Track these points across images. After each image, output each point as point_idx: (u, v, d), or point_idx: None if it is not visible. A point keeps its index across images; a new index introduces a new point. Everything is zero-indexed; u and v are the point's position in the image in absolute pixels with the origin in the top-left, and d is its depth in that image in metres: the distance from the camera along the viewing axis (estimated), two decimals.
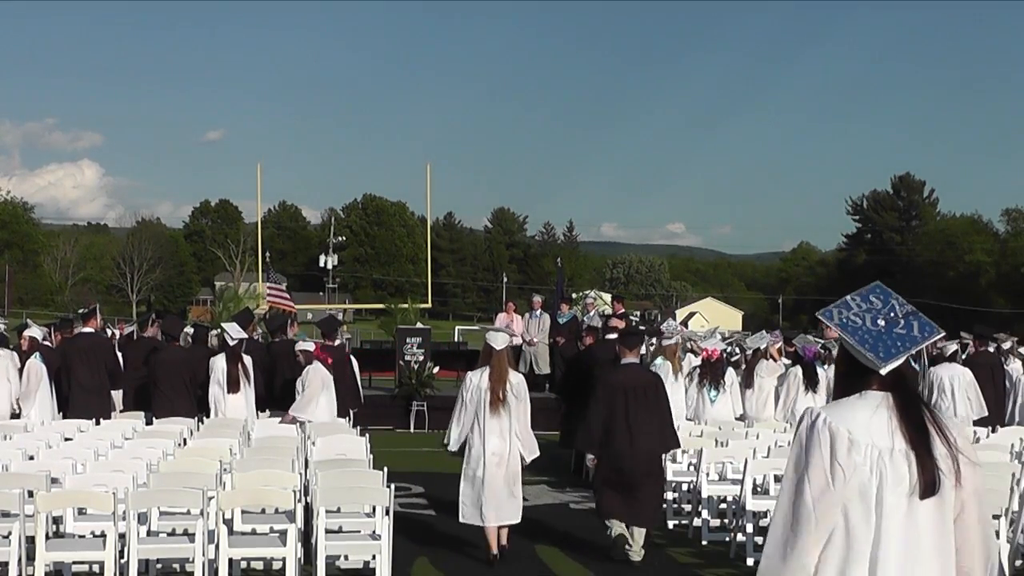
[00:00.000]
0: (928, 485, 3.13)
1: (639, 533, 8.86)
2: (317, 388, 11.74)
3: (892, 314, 3.37)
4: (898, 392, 3.25)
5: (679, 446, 9.59)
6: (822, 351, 14.02)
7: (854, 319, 3.35)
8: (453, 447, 8.91)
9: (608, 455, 8.87)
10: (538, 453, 8.99)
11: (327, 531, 7.59)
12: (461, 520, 8.82)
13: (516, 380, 8.93)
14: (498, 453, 8.66)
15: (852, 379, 3.33)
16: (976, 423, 12.46)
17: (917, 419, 3.21)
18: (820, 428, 3.22)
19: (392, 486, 7.62)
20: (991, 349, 14.74)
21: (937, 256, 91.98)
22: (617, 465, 8.81)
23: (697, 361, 13.03)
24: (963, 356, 14.55)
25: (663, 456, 9.42)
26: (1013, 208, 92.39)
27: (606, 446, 8.88)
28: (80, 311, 15.78)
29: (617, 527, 8.89)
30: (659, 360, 12.26)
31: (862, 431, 3.17)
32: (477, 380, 8.81)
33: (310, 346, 12.26)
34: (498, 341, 8.96)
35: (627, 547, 8.82)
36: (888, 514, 3.12)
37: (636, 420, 8.87)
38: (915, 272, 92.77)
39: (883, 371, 3.23)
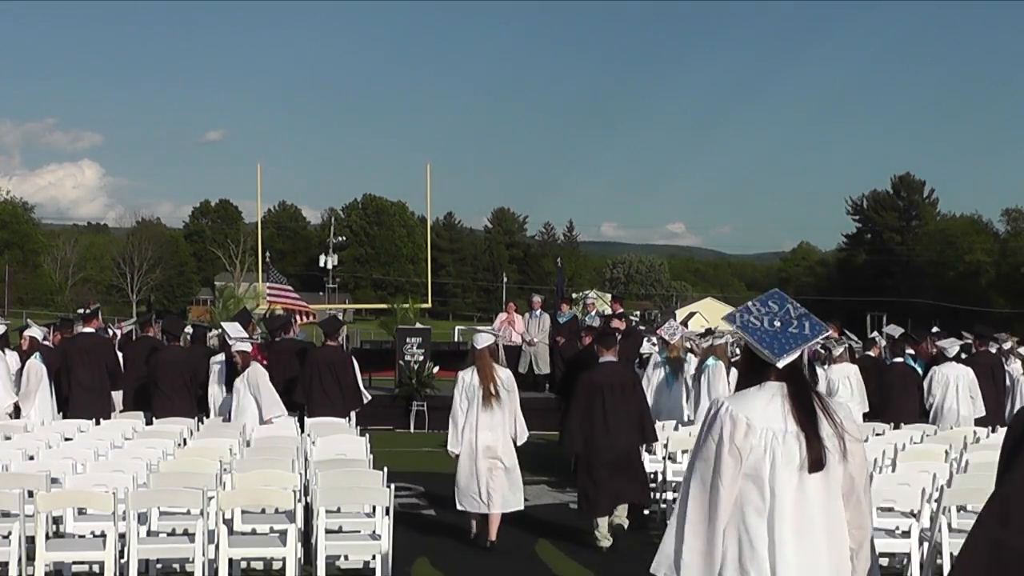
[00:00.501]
0: (815, 461, 3.62)
1: (622, 508, 9.33)
2: (270, 386, 11.74)
3: (787, 316, 3.87)
4: (792, 382, 3.75)
5: (656, 439, 10.03)
6: (822, 351, 14.04)
7: (754, 321, 3.86)
8: (455, 449, 9.36)
9: (588, 450, 9.29)
10: (527, 435, 9.59)
11: (327, 531, 7.59)
12: (458, 507, 9.36)
13: (504, 375, 9.48)
14: (491, 447, 9.20)
15: (754, 372, 3.82)
16: (976, 423, 12.45)
17: (807, 405, 3.70)
18: (723, 415, 3.72)
19: (392, 486, 7.62)
20: (992, 350, 14.72)
21: (937, 256, 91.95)
22: (597, 459, 9.23)
23: (696, 361, 13.02)
24: (964, 356, 14.55)
25: (641, 448, 9.80)
26: (1013, 208, 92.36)
27: (587, 441, 9.28)
28: (81, 311, 15.78)
29: (603, 525, 9.30)
30: (711, 360, 12.30)
31: (759, 417, 3.68)
32: (468, 379, 9.37)
33: (247, 347, 12.20)
34: (480, 341, 9.57)
35: (596, 534, 9.29)
36: (782, 486, 3.61)
37: (614, 416, 9.31)
38: (915, 272, 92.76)
39: (779, 365, 3.72)
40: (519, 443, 9.47)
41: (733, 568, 3.63)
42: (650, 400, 12.74)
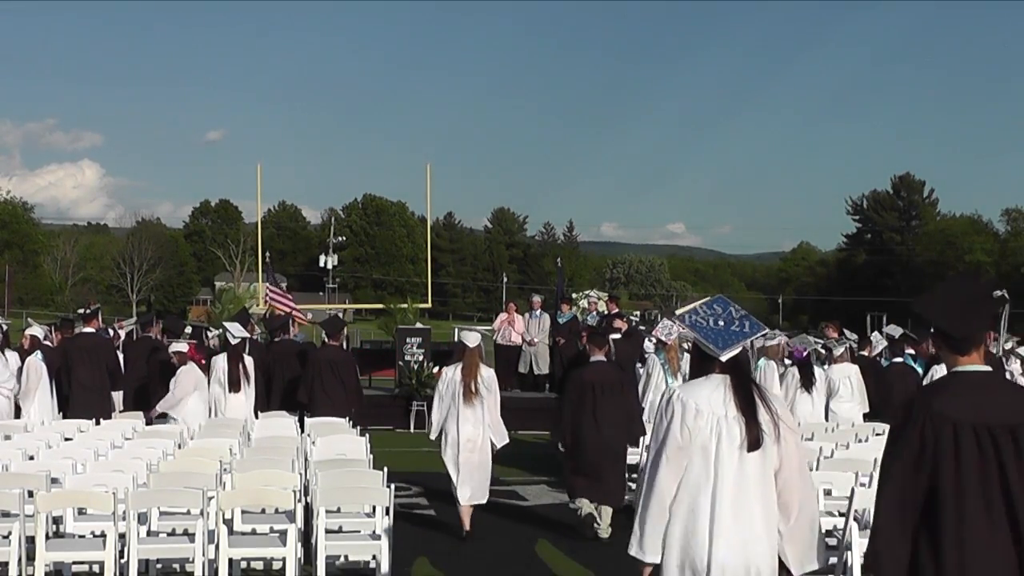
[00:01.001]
0: (753, 442, 4.24)
1: (606, 512, 9.64)
2: (189, 388, 11.78)
3: (729, 317, 4.50)
4: (734, 374, 4.38)
5: (645, 434, 10.19)
6: (823, 351, 14.03)
7: (700, 321, 4.48)
8: (433, 435, 9.98)
9: (577, 444, 9.71)
10: (507, 440, 9.99)
11: (327, 531, 7.59)
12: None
13: (487, 374, 9.89)
14: (472, 439, 9.64)
15: (702, 365, 4.46)
16: None
17: (747, 394, 4.32)
18: (675, 401, 4.36)
19: (392, 486, 7.62)
20: (993, 350, 14.72)
21: (937, 256, 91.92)
22: (585, 453, 9.63)
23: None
24: None
25: (627, 444, 10.07)
26: (1013, 208, 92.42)
27: (575, 436, 9.72)
28: (81, 311, 15.77)
29: (586, 507, 9.69)
30: (762, 361, 12.32)
31: (705, 403, 4.30)
32: (452, 374, 9.81)
33: (183, 347, 12.22)
34: (471, 340, 9.98)
35: (595, 524, 9.63)
36: (724, 462, 4.23)
37: (603, 413, 9.66)
38: (915, 272, 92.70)
39: (722, 358, 4.36)
40: (498, 446, 9.83)
41: (679, 531, 4.23)
42: (649, 399, 12.78)
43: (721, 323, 4.49)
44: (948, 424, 3.84)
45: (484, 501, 9.80)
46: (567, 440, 9.87)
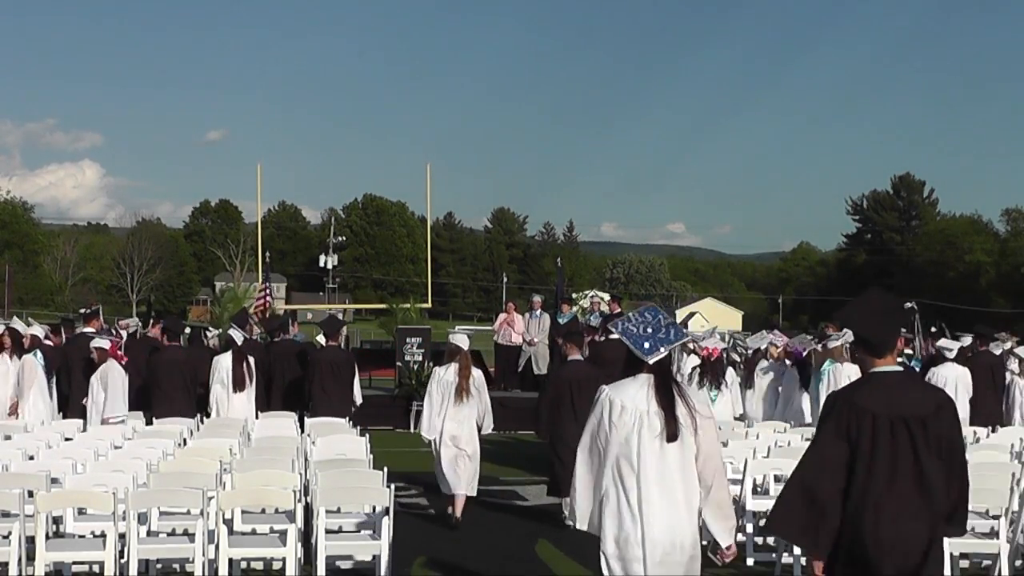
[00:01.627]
0: (672, 434, 4.97)
1: None
2: (119, 386, 11.93)
3: (657, 324, 5.11)
4: (658, 375, 5.06)
5: None
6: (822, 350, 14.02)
7: (631, 328, 5.15)
8: (428, 435, 10.46)
9: (555, 440, 10.19)
10: (492, 427, 10.90)
11: (327, 531, 7.59)
12: (442, 490, 10.44)
13: (477, 375, 10.60)
14: (456, 436, 10.32)
15: (631, 366, 5.13)
16: (975, 423, 12.44)
17: (668, 392, 5.02)
18: (603, 399, 5.12)
19: (392, 486, 7.61)
20: (997, 351, 14.68)
21: (937, 256, 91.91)
22: (565, 447, 9.67)
23: (697, 361, 13.03)
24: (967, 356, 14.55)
25: None
26: (1013, 208, 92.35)
27: (555, 432, 10.19)
28: (82, 311, 15.74)
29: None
30: (828, 363, 12.35)
31: (630, 400, 5.03)
32: (443, 374, 10.44)
33: (105, 344, 12.24)
34: (463, 341, 10.62)
35: None
36: (647, 451, 4.97)
37: (581, 411, 9.77)
38: (915, 272, 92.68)
39: (649, 361, 5.04)
40: (484, 432, 10.71)
41: (613, 511, 5.00)
42: None
43: (650, 330, 5.12)
44: (867, 415, 4.59)
45: (473, 494, 10.44)
46: (545, 437, 10.48)
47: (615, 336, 14.19)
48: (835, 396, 4.75)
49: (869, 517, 4.47)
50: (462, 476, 10.26)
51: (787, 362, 13.29)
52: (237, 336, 12.75)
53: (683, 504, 4.98)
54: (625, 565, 4.97)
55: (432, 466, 10.73)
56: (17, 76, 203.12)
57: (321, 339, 13.97)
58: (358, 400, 14.33)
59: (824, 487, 4.56)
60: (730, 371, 13.11)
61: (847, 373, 13.11)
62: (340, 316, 17.92)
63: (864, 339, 4.78)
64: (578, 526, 5.22)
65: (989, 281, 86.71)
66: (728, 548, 5.15)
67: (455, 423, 10.34)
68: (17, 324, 13.46)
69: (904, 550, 4.45)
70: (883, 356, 4.73)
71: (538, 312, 20.09)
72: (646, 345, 5.05)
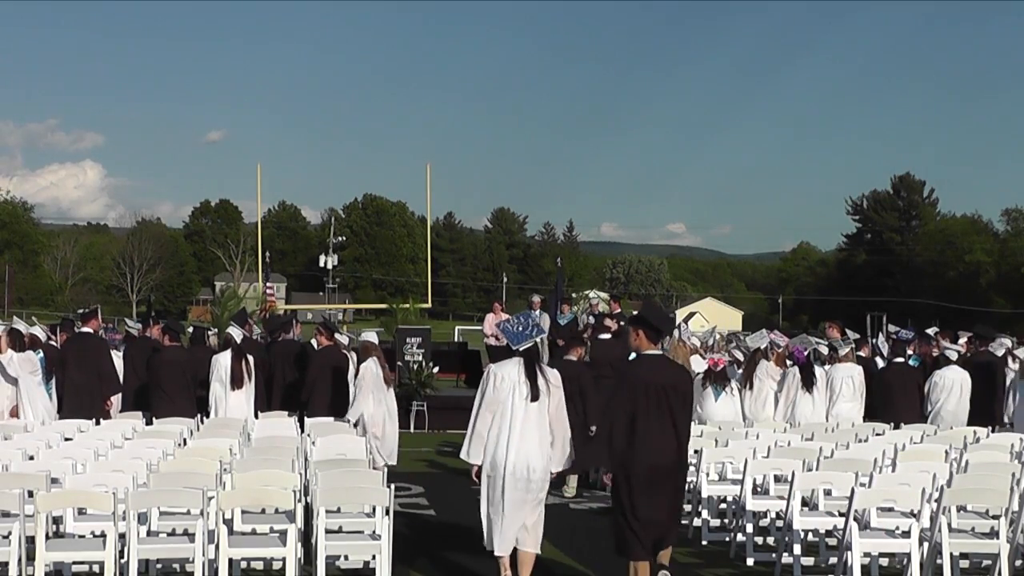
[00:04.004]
0: (534, 396, 7.52)
1: (572, 477, 11.80)
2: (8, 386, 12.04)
3: (527, 325, 7.76)
4: (525, 357, 7.62)
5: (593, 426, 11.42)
6: (823, 352, 14.01)
7: (509, 327, 7.76)
8: (352, 418, 11.88)
9: None
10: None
11: (327, 531, 7.59)
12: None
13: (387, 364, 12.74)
14: (373, 417, 12.16)
15: (511, 352, 7.67)
16: (975, 423, 12.43)
17: (531, 369, 7.58)
18: (488, 374, 7.66)
19: (392, 486, 7.61)
20: (999, 352, 14.65)
21: (937, 256, 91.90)
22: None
23: (704, 366, 12.99)
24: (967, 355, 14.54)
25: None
26: (1013, 208, 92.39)
27: None
28: (81, 311, 15.70)
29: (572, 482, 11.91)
30: (829, 368, 12.73)
31: (507, 373, 7.59)
32: (374, 368, 12.25)
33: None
34: (375, 337, 12.87)
35: (564, 487, 11.72)
36: (516, 408, 7.49)
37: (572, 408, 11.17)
38: (915, 272, 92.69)
39: (519, 350, 7.63)
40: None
41: (491, 446, 7.50)
42: None
43: (520, 329, 7.69)
44: (641, 382, 7.22)
45: (393, 463, 12.17)
46: None
47: (605, 337, 14.66)
48: (623, 371, 7.41)
49: (642, 442, 7.11)
50: (390, 447, 12.22)
51: (788, 362, 13.27)
52: (236, 334, 12.74)
53: (536, 443, 7.49)
54: (493, 479, 7.49)
55: (431, 466, 10.73)
56: (19, 77, 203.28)
57: (314, 341, 13.95)
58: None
59: (621, 430, 7.18)
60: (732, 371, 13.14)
61: (848, 373, 13.13)
62: (340, 316, 17.91)
63: (658, 331, 7.55)
64: (472, 461, 7.59)
65: (989, 281, 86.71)
66: (555, 474, 7.66)
67: (384, 406, 12.32)
68: (19, 324, 13.44)
69: (665, 460, 7.18)
70: (656, 344, 7.53)
71: (537, 312, 20.08)
72: (516, 340, 7.65)
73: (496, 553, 7.48)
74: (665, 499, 7.14)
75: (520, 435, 7.38)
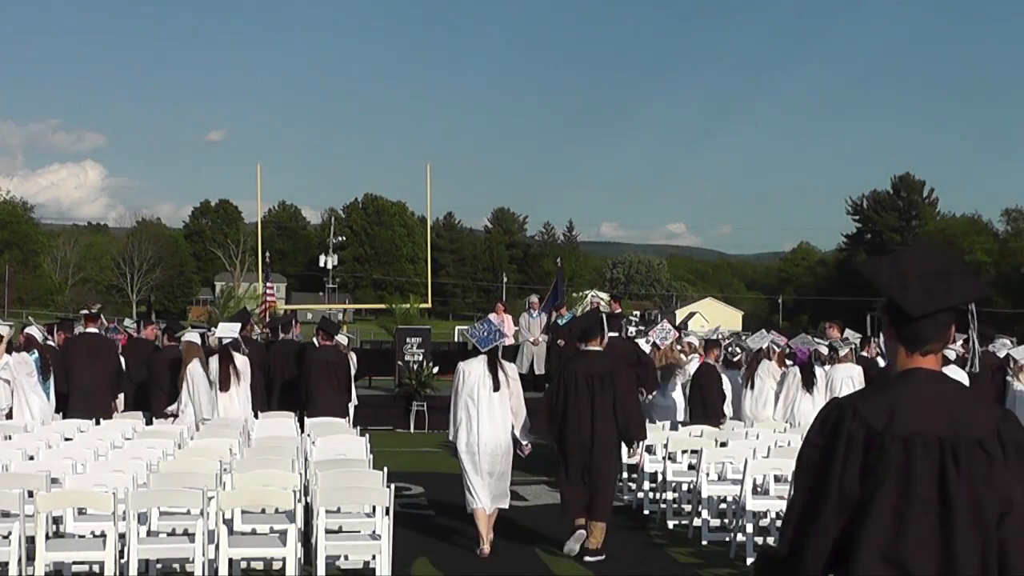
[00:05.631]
0: (495, 386, 9.08)
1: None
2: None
3: (488, 331, 9.32)
4: (488, 355, 9.17)
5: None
6: (823, 352, 14.01)
7: (475, 331, 9.59)
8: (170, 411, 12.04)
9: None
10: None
11: (327, 531, 7.59)
12: None
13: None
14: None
15: (476, 352, 9.32)
16: None
17: (493, 364, 9.14)
18: (458, 370, 9.30)
19: (392, 486, 7.61)
20: (1001, 353, 14.62)
21: None
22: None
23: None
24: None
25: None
26: (1013, 208, 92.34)
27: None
28: (84, 311, 15.69)
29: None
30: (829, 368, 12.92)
31: (474, 369, 9.18)
32: (214, 364, 12.28)
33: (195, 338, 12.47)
34: (195, 338, 12.65)
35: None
36: (483, 397, 9.06)
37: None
38: None
39: (483, 350, 9.21)
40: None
41: (464, 429, 9.08)
42: (648, 399, 12.77)
43: (485, 334, 9.34)
44: (572, 373, 9.14)
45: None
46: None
47: (612, 335, 14.67)
48: (561, 366, 9.20)
49: (572, 417, 9.00)
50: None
51: (788, 363, 13.27)
52: (224, 334, 12.70)
53: (500, 424, 9.09)
54: (470, 456, 9.04)
55: (431, 466, 10.74)
56: (20, 77, 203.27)
57: (316, 340, 13.97)
58: (353, 401, 14.32)
59: (555, 409, 9.11)
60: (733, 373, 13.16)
61: (848, 374, 13.12)
62: (340, 316, 17.92)
63: (585, 338, 9.49)
64: (451, 438, 9.28)
65: (989, 281, 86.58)
66: (526, 445, 9.22)
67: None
68: (35, 331, 13.39)
69: (582, 437, 8.98)
70: (593, 339, 9.40)
71: (536, 312, 20.08)
72: (482, 342, 9.30)
73: (475, 507, 9.04)
74: (587, 470, 9.02)
75: (488, 418, 9.03)
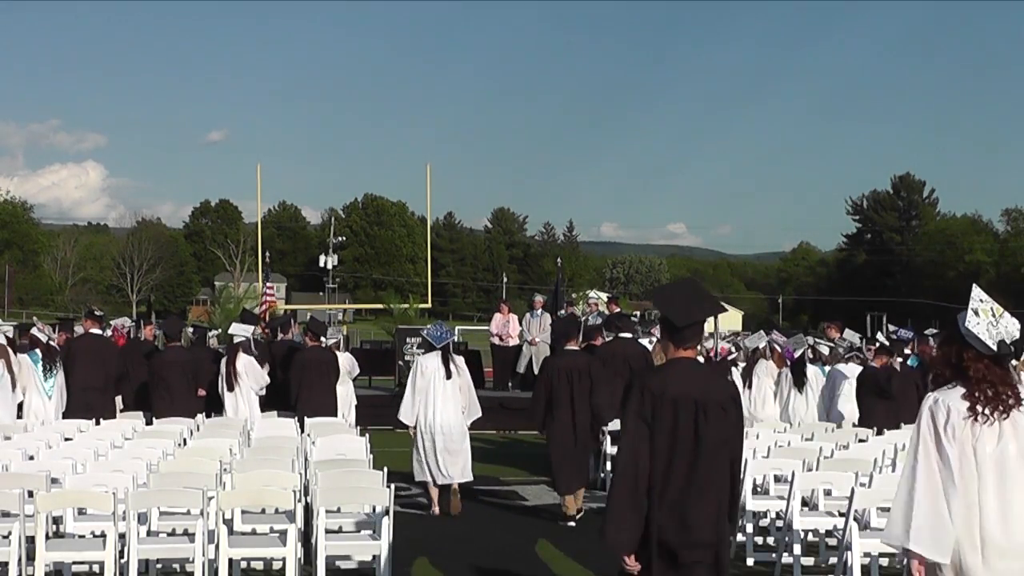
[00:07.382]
0: (447, 376, 10.77)
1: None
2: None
3: (442, 329, 11.26)
4: (442, 351, 10.84)
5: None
6: (823, 352, 14.02)
7: (432, 331, 11.13)
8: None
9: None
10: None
11: (327, 531, 7.58)
12: None
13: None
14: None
15: (430, 348, 10.93)
16: None
17: (446, 358, 10.83)
18: (416, 362, 11.05)
19: (392, 486, 7.61)
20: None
21: (937, 256, 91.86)
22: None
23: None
24: None
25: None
26: (1013, 208, 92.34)
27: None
28: (94, 310, 15.66)
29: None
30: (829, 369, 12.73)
31: (430, 362, 10.84)
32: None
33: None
34: (237, 331, 13.34)
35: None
36: (438, 385, 10.74)
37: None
38: (915, 272, 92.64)
39: (438, 347, 10.82)
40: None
41: (420, 414, 10.76)
42: None
43: (439, 333, 10.93)
44: (555, 369, 10.48)
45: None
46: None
47: (624, 335, 14.68)
48: (543, 363, 11.11)
49: (558, 411, 10.51)
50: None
51: (787, 362, 13.30)
52: (237, 333, 12.75)
53: (452, 408, 10.66)
54: (423, 437, 10.60)
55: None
56: (21, 77, 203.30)
57: (305, 340, 13.92)
58: (353, 400, 14.32)
59: (540, 400, 10.65)
60: (732, 371, 13.13)
61: (849, 374, 13.13)
62: (340, 316, 17.92)
63: (563, 337, 11.04)
64: (406, 421, 10.81)
65: (989, 281, 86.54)
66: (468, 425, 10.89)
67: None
68: (39, 334, 13.38)
69: (564, 424, 10.49)
70: (572, 339, 10.94)
71: (539, 312, 20.08)
72: (436, 340, 10.79)
73: (422, 479, 10.71)
74: (570, 449, 10.42)
75: (442, 403, 10.64)
